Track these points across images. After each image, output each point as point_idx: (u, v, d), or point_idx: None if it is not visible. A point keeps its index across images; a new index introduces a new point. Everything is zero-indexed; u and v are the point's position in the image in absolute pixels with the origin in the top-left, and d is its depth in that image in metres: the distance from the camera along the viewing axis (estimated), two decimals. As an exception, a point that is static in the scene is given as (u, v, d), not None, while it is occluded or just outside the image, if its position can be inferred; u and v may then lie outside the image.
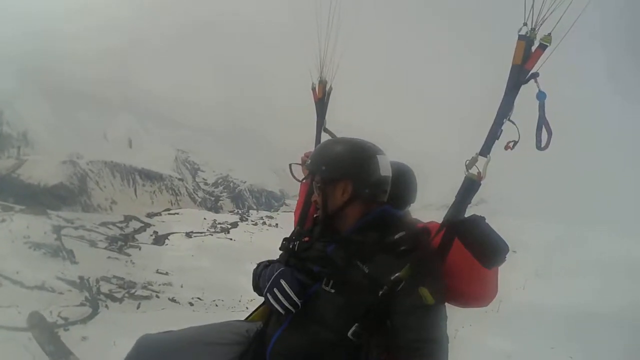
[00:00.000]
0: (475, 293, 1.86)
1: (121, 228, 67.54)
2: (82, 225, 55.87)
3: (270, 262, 1.94)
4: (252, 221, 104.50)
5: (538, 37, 1.65)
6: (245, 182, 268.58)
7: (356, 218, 1.87)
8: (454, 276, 1.78)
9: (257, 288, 1.91)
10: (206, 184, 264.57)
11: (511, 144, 1.70)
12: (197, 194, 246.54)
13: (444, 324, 1.66)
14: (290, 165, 2.06)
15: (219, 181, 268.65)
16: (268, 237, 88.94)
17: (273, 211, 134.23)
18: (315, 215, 2.02)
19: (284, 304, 1.72)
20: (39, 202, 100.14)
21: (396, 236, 1.72)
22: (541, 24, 1.64)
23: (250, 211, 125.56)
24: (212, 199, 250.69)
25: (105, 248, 51.25)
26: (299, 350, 1.74)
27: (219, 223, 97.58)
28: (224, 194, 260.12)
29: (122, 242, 54.75)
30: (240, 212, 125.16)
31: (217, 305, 45.57)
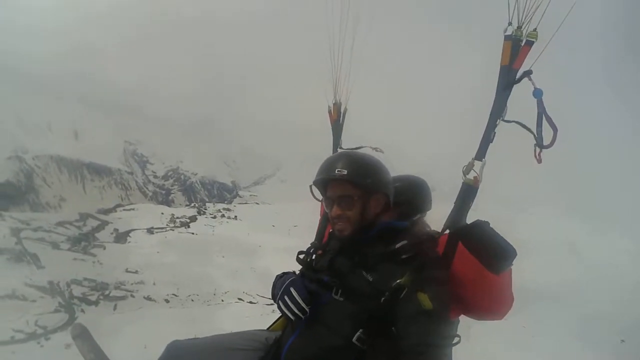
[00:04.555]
0: (486, 303, 1.80)
1: (79, 227, 63.89)
2: (40, 227, 52.25)
3: (284, 274, 1.96)
4: (210, 214, 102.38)
5: (524, 35, 1.58)
6: (196, 174, 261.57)
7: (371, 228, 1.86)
8: (464, 286, 1.75)
9: (274, 296, 1.96)
10: (156, 176, 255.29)
11: (538, 150, 1.61)
12: (147, 188, 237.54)
13: (446, 329, 1.64)
14: (310, 186, 1.97)
15: (169, 174, 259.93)
16: (230, 229, 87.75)
17: (227, 203, 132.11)
18: (330, 230, 2.00)
19: (293, 310, 1.74)
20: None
21: (397, 245, 1.72)
22: (529, 22, 1.57)
23: (207, 204, 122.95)
24: (163, 192, 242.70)
25: (69, 249, 48.40)
26: (309, 356, 1.76)
27: (178, 217, 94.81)
28: (175, 186, 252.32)
29: (86, 242, 51.87)
30: (196, 205, 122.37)
31: (192, 300, 44.80)
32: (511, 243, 1.69)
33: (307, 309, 1.74)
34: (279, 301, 1.80)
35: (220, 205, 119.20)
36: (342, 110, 2.49)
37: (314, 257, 2.00)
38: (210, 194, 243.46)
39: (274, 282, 1.95)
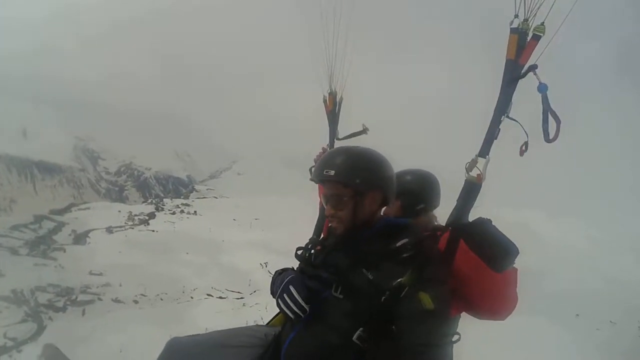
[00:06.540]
0: (487, 302, 1.79)
1: (34, 230, 60.45)
2: (-5, 232, 49.32)
3: (284, 270, 1.93)
4: (169, 210, 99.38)
5: (531, 28, 1.54)
6: (150, 169, 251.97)
7: (370, 226, 1.83)
8: (465, 284, 1.75)
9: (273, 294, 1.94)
10: (108, 173, 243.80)
11: (524, 147, 1.62)
12: (100, 185, 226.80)
13: (447, 328, 1.64)
14: (310, 169, 1.90)
15: (122, 169, 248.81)
16: (190, 225, 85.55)
17: (185, 198, 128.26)
18: (329, 225, 1.96)
19: (292, 309, 1.72)
20: None
21: (398, 243, 1.70)
22: (535, 14, 1.53)
23: (164, 200, 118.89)
24: (117, 189, 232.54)
25: (28, 254, 45.98)
26: (309, 353, 1.75)
27: (136, 215, 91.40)
28: (129, 182, 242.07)
29: (45, 246, 49.46)
30: (153, 201, 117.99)
31: (162, 300, 43.90)
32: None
33: (307, 308, 1.71)
34: (279, 299, 1.76)
35: (179, 201, 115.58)
36: (337, 100, 2.42)
37: (312, 252, 1.95)
38: (166, 189, 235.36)
39: (272, 279, 1.92)
